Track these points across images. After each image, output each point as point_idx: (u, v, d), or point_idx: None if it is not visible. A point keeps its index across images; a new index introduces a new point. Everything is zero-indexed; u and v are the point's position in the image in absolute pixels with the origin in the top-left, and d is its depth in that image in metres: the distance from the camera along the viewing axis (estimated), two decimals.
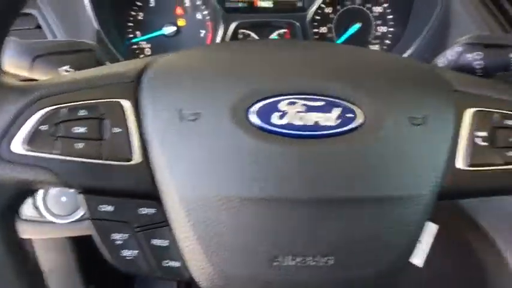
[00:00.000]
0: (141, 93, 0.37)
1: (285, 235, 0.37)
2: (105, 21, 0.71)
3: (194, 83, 0.37)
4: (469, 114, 0.39)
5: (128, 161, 0.36)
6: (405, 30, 0.83)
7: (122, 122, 0.36)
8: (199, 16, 0.82)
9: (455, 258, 0.78)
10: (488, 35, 0.52)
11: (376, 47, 0.86)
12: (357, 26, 0.84)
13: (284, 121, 0.36)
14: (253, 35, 0.82)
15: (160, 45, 0.81)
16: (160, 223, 0.38)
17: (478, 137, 0.39)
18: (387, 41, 0.86)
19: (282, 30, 0.83)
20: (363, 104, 0.37)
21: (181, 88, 0.37)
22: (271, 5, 0.82)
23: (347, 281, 0.38)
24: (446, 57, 0.54)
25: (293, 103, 0.37)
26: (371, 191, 0.36)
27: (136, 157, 0.36)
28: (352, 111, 0.37)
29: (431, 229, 0.66)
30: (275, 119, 0.36)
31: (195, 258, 0.37)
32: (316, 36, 0.84)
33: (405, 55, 0.78)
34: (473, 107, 0.40)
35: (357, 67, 0.39)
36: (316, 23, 0.84)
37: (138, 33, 0.81)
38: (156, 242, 0.38)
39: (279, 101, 0.37)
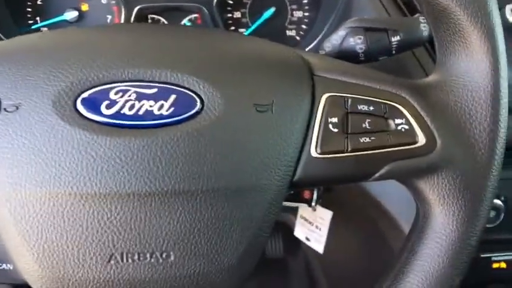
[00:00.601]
0: None
1: (119, 232, 0.34)
2: None
3: (18, 70, 0.34)
4: (324, 99, 0.38)
5: None
6: (319, 15, 0.81)
7: None
8: (104, 0, 0.78)
9: (364, 242, 0.78)
10: (369, 18, 0.50)
11: (292, 32, 0.84)
12: (271, 11, 0.82)
13: (113, 111, 0.34)
14: (163, 20, 0.79)
15: None
16: None
17: (330, 123, 0.37)
18: (304, 26, 0.84)
19: (193, 15, 0.80)
20: (202, 91, 0.35)
21: (2, 76, 0.34)
22: None
23: (190, 277, 0.36)
24: (331, 42, 0.52)
25: (124, 91, 0.34)
26: (208, 182, 0.34)
27: None
28: (189, 99, 0.35)
29: (327, 216, 0.65)
30: (104, 108, 0.34)
31: (23, 260, 0.34)
32: (230, 22, 0.82)
33: (316, 41, 0.76)
34: (328, 92, 0.38)
35: (201, 52, 0.37)
36: (229, 8, 0.81)
37: (38, 19, 0.77)
38: None
39: (109, 89, 0.34)
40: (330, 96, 0.38)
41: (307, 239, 0.66)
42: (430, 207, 0.39)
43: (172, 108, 0.34)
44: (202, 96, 0.35)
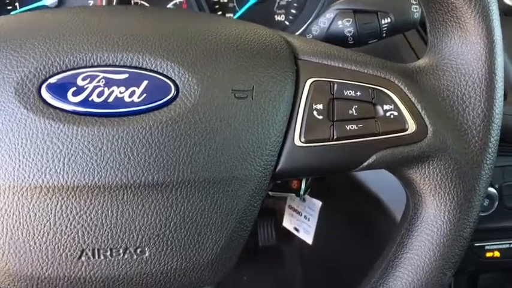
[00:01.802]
0: None
1: (89, 227, 0.32)
2: None
3: None
4: (308, 85, 0.35)
5: None
6: None
7: None
8: None
9: (356, 232, 0.76)
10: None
11: (281, 17, 0.81)
12: None
13: (80, 98, 0.32)
14: (146, 5, 0.76)
15: None
16: None
17: (315, 110, 0.35)
18: (293, 10, 0.81)
19: (178, 0, 0.77)
20: (176, 76, 0.33)
21: None
22: None
23: (167, 274, 0.34)
24: (319, 25, 0.50)
25: (93, 77, 0.32)
26: (184, 173, 0.32)
27: None
28: (163, 85, 0.32)
29: (316, 206, 0.63)
30: (71, 95, 0.32)
31: None
32: (217, 6, 0.79)
33: (305, 25, 0.74)
34: (313, 77, 0.36)
35: (176, 34, 0.35)
36: None
37: (17, 5, 0.74)
38: None
39: (76, 75, 0.32)
40: (314, 81, 0.36)
41: (296, 229, 0.64)
42: (421, 197, 0.37)
43: (144, 95, 0.32)
44: (177, 82, 0.33)
